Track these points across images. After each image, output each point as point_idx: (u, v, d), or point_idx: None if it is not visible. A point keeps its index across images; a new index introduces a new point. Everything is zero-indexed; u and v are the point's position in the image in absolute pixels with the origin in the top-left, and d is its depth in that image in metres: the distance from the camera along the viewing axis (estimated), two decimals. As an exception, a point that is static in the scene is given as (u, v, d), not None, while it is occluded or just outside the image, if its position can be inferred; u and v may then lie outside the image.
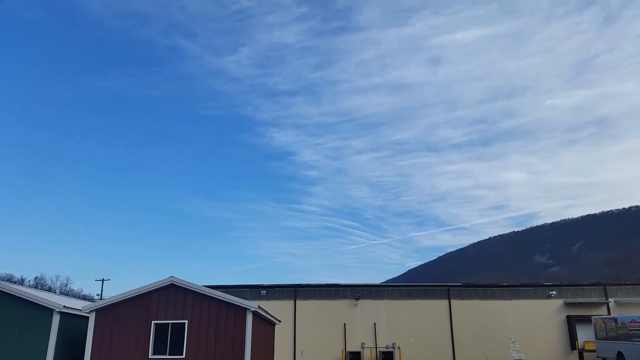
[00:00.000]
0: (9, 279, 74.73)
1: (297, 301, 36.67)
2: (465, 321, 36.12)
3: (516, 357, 35.31)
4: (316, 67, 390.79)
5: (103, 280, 65.21)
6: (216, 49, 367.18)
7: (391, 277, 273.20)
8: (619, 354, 28.25)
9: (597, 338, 31.36)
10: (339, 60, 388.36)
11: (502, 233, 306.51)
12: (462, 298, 36.91)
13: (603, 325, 30.55)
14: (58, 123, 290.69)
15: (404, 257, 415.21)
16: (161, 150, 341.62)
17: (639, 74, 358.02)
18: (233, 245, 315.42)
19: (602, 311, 36.25)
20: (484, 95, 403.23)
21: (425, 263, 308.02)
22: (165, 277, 18.61)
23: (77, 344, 19.65)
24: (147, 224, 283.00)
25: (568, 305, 36.61)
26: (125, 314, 18.28)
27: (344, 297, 36.91)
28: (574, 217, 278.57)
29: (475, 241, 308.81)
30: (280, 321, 27.79)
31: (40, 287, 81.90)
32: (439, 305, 36.58)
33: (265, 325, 23.35)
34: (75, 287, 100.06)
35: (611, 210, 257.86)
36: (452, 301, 36.67)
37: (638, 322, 26.90)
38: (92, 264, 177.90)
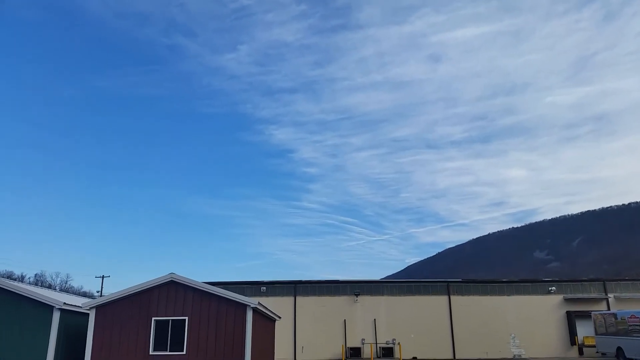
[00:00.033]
0: (9, 276, 74.77)
1: (297, 297, 36.71)
2: (465, 317, 36.18)
3: (516, 353, 35.40)
4: (316, 64, 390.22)
5: (103, 277, 65.25)
6: (215, 47, 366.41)
7: (391, 273, 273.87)
8: (619, 349, 28.34)
9: (596, 333, 31.44)
10: (338, 57, 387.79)
11: (501, 229, 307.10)
12: (462, 294, 36.96)
13: (603, 320, 30.62)
14: (58, 122, 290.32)
15: (403, 253, 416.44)
16: (161, 149, 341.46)
17: (638, 71, 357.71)
18: (234, 242, 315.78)
19: (602, 307, 36.32)
20: (483, 92, 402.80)
21: (425, 259, 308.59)
22: (165, 274, 18.60)
23: (78, 340, 19.65)
24: (147, 222, 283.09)
25: (567, 301, 36.67)
26: (125, 311, 18.27)
27: (344, 293, 36.96)
28: (574, 213, 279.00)
29: (475, 237, 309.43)
30: (280, 317, 27.81)
31: (40, 284, 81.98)
32: (439, 301, 36.63)
33: (266, 321, 23.37)
34: (75, 284, 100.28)
35: (611, 207, 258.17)
36: (452, 297, 36.73)
37: (637, 317, 26.95)
38: (92, 261, 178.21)
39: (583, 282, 38.08)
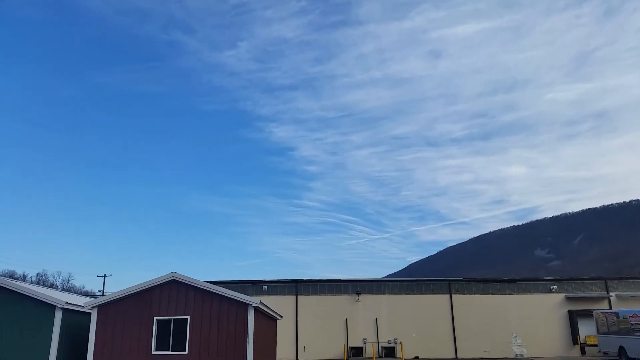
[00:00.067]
0: (11, 276, 74.85)
1: (298, 296, 36.71)
2: (466, 316, 36.15)
3: (518, 352, 35.36)
4: (315, 61, 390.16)
5: (105, 276, 65.30)
6: (215, 44, 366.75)
7: (392, 272, 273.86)
8: (621, 348, 28.28)
9: (598, 332, 31.38)
10: (338, 54, 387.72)
11: (502, 227, 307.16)
12: (463, 293, 36.92)
13: (605, 319, 30.56)
14: (58, 121, 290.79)
15: (404, 251, 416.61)
16: (161, 146, 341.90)
17: (639, 67, 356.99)
18: (235, 240, 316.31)
19: (604, 305, 36.26)
20: (483, 88, 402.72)
21: (426, 258, 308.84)
22: (166, 273, 18.58)
23: (80, 340, 19.66)
24: (148, 220, 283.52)
25: (569, 299, 36.62)
26: (127, 310, 18.26)
27: (345, 292, 36.94)
28: (575, 211, 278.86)
29: (476, 235, 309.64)
30: (282, 316, 27.79)
31: (42, 283, 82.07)
32: (440, 300, 36.61)
33: (267, 320, 23.35)
34: (77, 283, 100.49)
35: (611, 204, 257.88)
36: (453, 296, 36.70)
37: (639, 316, 26.89)
38: (94, 260, 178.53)
39: (585, 281, 38.02)
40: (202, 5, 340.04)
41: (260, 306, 19.09)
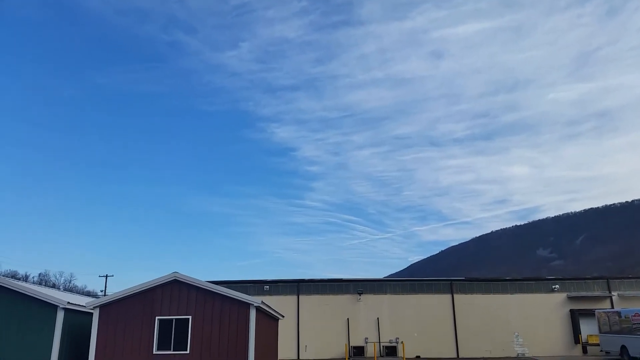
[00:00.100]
0: (13, 276, 75.04)
1: (300, 296, 36.73)
2: (468, 315, 36.13)
3: (519, 351, 35.33)
4: (317, 61, 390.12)
5: (107, 276, 65.37)
6: (216, 44, 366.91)
7: (394, 272, 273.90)
8: (623, 347, 28.25)
9: (600, 332, 31.34)
10: (339, 54, 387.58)
11: (504, 227, 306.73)
12: (465, 292, 36.90)
13: (607, 319, 30.52)
14: (59, 121, 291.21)
15: (406, 251, 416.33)
16: (162, 146, 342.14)
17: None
18: (236, 240, 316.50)
19: (606, 305, 36.21)
20: (485, 88, 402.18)
21: (428, 257, 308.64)
22: (168, 273, 18.62)
23: (82, 340, 19.71)
24: (149, 220, 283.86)
25: (571, 299, 36.57)
26: (129, 310, 18.31)
27: (347, 292, 36.95)
28: (576, 210, 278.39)
29: (478, 235, 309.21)
30: (283, 316, 27.83)
31: (44, 283, 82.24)
32: (442, 300, 36.59)
33: (269, 320, 23.38)
34: (79, 283, 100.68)
35: (613, 204, 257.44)
36: (455, 295, 36.69)
37: (642, 315, 26.85)
38: (96, 260, 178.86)
39: (587, 280, 37.97)
40: (203, 6, 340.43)
41: (262, 306, 19.11)
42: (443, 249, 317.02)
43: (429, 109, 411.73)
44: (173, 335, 17.95)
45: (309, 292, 37.02)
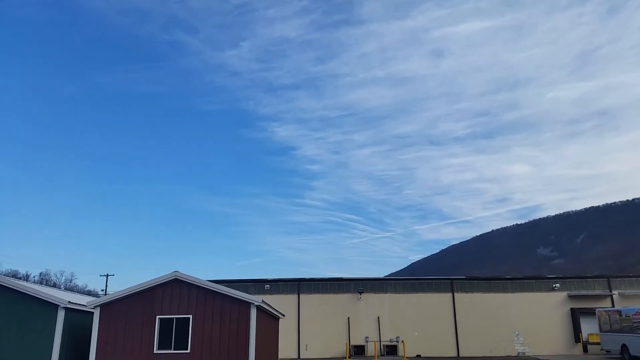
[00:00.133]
0: (14, 275, 75.13)
1: (300, 295, 36.76)
2: (468, 314, 36.14)
3: (520, 350, 35.34)
4: (317, 60, 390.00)
5: (107, 275, 65.39)
6: (217, 43, 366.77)
7: (394, 271, 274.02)
8: (623, 346, 28.25)
9: (601, 330, 31.35)
10: (340, 53, 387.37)
11: (505, 226, 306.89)
12: (466, 291, 36.92)
13: (607, 317, 30.53)
14: (60, 120, 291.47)
15: (406, 250, 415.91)
16: (162, 146, 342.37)
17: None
18: (236, 239, 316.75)
19: (606, 303, 36.21)
20: (486, 87, 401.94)
21: (429, 256, 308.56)
22: (169, 272, 18.64)
23: (82, 339, 19.74)
24: (150, 219, 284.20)
25: (572, 297, 36.58)
26: (129, 309, 18.33)
27: (348, 290, 36.97)
28: (577, 209, 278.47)
29: (479, 234, 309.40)
30: (284, 315, 27.85)
31: (45, 282, 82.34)
32: (443, 299, 36.61)
33: (270, 319, 23.40)
34: (79, 282, 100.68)
35: (614, 202, 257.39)
36: (456, 294, 36.70)
37: (642, 314, 26.84)
38: (96, 259, 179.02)
39: (587, 279, 37.97)
40: (204, 5, 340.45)
41: (263, 305, 19.13)
42: (444, 247, 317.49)
43: (429, 108, 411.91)
44: (174, 334, 17.97)
45: (310, 291, 37.04)
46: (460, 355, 35.18)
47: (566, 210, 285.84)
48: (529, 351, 35.26)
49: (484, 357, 34.36)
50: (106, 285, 65.39)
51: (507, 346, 35.45)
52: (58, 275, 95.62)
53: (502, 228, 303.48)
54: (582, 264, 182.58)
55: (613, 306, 35.47)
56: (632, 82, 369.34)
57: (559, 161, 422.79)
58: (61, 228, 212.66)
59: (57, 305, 18.96)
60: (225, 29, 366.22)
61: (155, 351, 17.76)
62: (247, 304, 18.27)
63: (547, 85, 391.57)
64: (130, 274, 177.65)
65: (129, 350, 17.79)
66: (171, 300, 18.38)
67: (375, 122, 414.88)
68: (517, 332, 35.81)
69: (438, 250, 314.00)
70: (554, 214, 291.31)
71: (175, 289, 18.52)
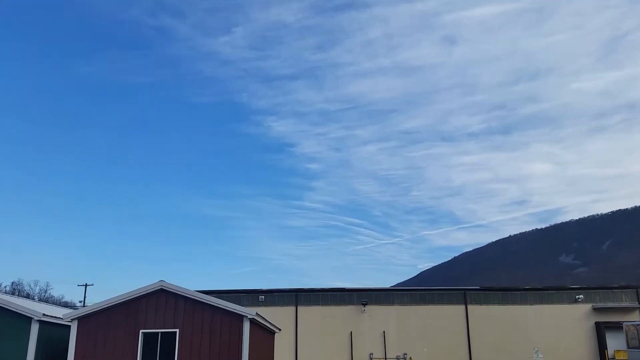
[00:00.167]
0: (-17, 284, 75.10)
1: (298, 307, 36.78)
2: (483, 328, 36.18)
3: (539, 368, 35.34)
4: (318, 48, 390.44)
5: (86, 285, 65.54)
6: (207, 29, 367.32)
7: (401, 280, 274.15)
8: (653, 363, 28.22)
9: (629, 347, 31.31)
10: (343, 40, 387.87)
11: (523, 231, 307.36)
12: (480, 303, 36.94)
13: (635, 332, 30.50)
14: (39, 112, 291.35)
15: (415, 257, 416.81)
16: (147, 141, 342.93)
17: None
18: (228, 246, 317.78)
19: (635, 317, 36.23)
20: (503, 77, 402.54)
21: (439, 264, 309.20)
22: (154, 282, 18.63)
23: (58, 355, 19.74)
24: (133, 223, 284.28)
25: (597, 310, 36.61)
26: (110, 323, 18.31)
27: (350, 302, 37.00)
28: (603, 212, 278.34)
29: (494, 240, 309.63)
30: (280, 329, 27.86)
31: (17, 293, 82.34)
32: (455, 311, 36.63)
33: (264, 333, 23.41)
34: (55, 293, 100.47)
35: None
36: (469, 306, 36.72)
37: (674, 328, 26.84)
38: (74, 267, 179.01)
39: (614, 290, 37.99)
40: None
41: (257, 318, 19.14)
42: (456, 255, 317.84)
43: (440, 100, 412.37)
44: (159, 350, 17.97)
45: (309, 302, 37.05)
46: (474, 374, 35.21)
47: (590, 214, 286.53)
48: (549, 369, 35.30)
49: (500, 375, 34.41)
50: (84, 296, 65.48)
51: (525, 363, 35.46)
52: (32, 285, 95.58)
53: (520, 233, 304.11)
54: (608, 272, 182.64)
55: (642, 320, 35.48)
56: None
57: (583, 159, 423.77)
58: (35, 233, 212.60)
59: (31, 318, 18.96)
60: (216, 13, 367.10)
61: (138, 369, 17.75)
62: (240, 317, 18.27)
63: (570, 76, 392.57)
64: (111, 284, 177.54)
65: (109, 368, 17.77)
66: (156, 312, 18.37)
67: (381, 116, 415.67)
68: (536, 349, 35.79)
69: (450, 258, 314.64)
70: (577, 218, 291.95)
71: (161, 301, 18.52)
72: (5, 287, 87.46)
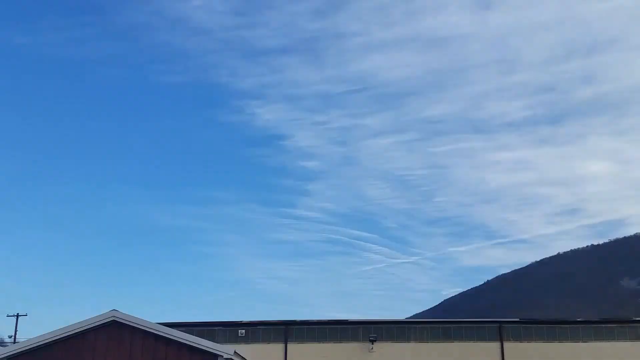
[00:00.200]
0: None
1: (288, 344, 36.85)
2: (524, 371, 36.36)
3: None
4: (317, 14, 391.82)
5: (18, 315, 65.48)
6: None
7: (420, 311, 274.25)
8: None
9: None
10: (349, 3, 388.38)
11: (576, 247, 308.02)
12: (520, 339, 37.10)
13: None
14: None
15: (438, 281, 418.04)
16: (97, 132, 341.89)
17: None
18: (200, 265, 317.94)
19: None
20: (552, 52, 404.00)
21: (468, 290, 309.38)
22: (104, 312, 18.69)
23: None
24: (78, 237, 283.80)
25: (668, 349, 36.79)
26: (48, 364, 18.37)
27: (355, 338, 37.10)
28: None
29: (539, 259, 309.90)
30: (265, 372, 27.97)
31: None
32: (487, 349, 36.77)
33: (245, 378, 23.50)
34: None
35: None
36: (506, 343, 36.88)
37: None
38: (2, 294, 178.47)
39: (690, 323, 38.18)
40: None
41: (235, 358, 19.22)
42: (489, 278, 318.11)
43: (472, 81, 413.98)
44: (110, 398, 18.03)
45: (302, 338, 37.14)
46: None
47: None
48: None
49: None
50: (16, 330, 65.40)
51: (577, 416, 35.67)
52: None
53: (571, 250, 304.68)
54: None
55: None
56: None
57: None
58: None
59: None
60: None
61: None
62: (213, 357, 18.35)
63: (637, 49, 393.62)
64: (51, 314, 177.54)
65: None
66: (107, 350, 18.45)
67: (396, 101, 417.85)
68: (591, 397, 36.00)
69: (482, 282, 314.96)
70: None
71: (114, 335, 18.58)
72: None
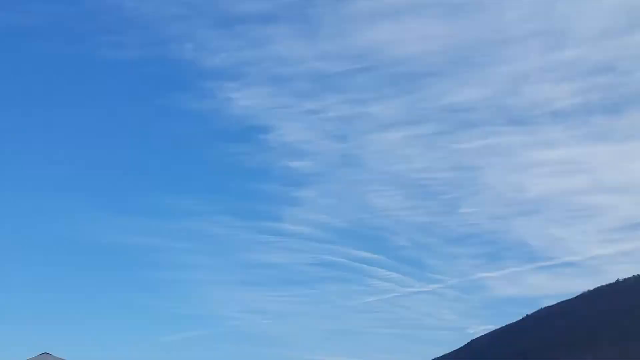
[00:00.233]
0: None
1: (277, 398, 36.05)
2: None
3: None
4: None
5: None
6: None
7: (442, 354, 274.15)
8: None
9: None
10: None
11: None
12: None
13: None
14: None
15: (464, 316, 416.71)
16: (25, 120, 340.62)
17: None
18: (158, 296, 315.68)
19: None
20: (608, 22, 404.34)
21: (502, 328, 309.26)
22: (35, 355, 17.91)
23: None
24: (5, 260, 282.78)
25: None
26: None
27: (364, 390, 36.32)
28: None
29: (593, 287, 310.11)
30: None
31: None
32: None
33: None
34: None
35: None
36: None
37: None
38: None
39: None
40: None
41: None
42: (529, 312, 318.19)
43: (509, 58, 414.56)
44: None
45: (295, 390, 36.33)
46: None
47: None
48: None
49: None
50: None
51: None
52: None
53: (634, 277, 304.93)
54: None
55: None
56: None
57: None
58: None
59: None
60: None
61: None
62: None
63: None
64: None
65: None
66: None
67: (411, 84, 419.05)
68: None
69: (520, 317, 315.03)
70: None
71: (46, 387, 17.71)
72: None
